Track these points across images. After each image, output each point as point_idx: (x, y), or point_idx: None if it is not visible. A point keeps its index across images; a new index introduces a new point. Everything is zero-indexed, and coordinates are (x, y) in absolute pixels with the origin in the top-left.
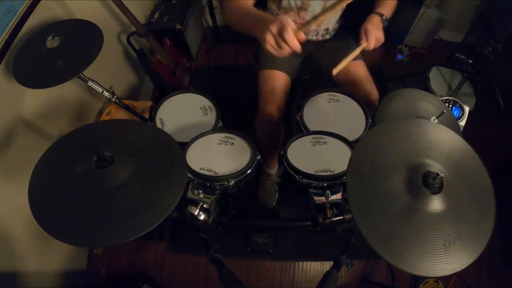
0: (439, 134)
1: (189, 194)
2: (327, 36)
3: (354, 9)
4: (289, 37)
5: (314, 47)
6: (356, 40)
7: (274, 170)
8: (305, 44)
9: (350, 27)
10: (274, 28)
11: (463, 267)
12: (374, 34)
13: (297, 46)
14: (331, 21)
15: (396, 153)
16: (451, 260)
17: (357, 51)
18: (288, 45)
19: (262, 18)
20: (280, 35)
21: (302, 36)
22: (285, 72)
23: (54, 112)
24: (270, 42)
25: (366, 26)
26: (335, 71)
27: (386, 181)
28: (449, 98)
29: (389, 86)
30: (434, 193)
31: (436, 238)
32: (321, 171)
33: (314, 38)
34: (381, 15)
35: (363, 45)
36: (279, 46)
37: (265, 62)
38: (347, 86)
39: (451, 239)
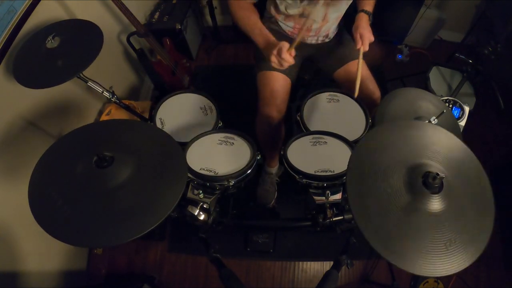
0: (437, 135)
1: (189, 194)
2: (326, 40)
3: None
4: (285, 55)
5: (314, 48)
6: (353, 38)
7: (274, 169)
8: (305, 46)
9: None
10: (275, 51)
11: (464, 267)
12: (367, 38)
13: (290, 61)
14: (331, 27)
15: (395, 154)
16: (453, 260)
17: (360, 60)
18: (285, 61)
19: (269, 41)
20: (279, 54)
21: (293, 52)
22: (285, 74)
23: (54, 112)
24: (274, 61)
25: (360, 31)
26: (356, 93)
27: (386, 181)
28: (449, 98)
29: (389, 86)
30: (434, 193)
31: (437, 237)
32: (321, 171)
33: (313, 42)
34: (367, 13)
35: (361, 49)
36: (280, 63)
37: (264, 64)
38: (349, 86)
39: (452, 239)
